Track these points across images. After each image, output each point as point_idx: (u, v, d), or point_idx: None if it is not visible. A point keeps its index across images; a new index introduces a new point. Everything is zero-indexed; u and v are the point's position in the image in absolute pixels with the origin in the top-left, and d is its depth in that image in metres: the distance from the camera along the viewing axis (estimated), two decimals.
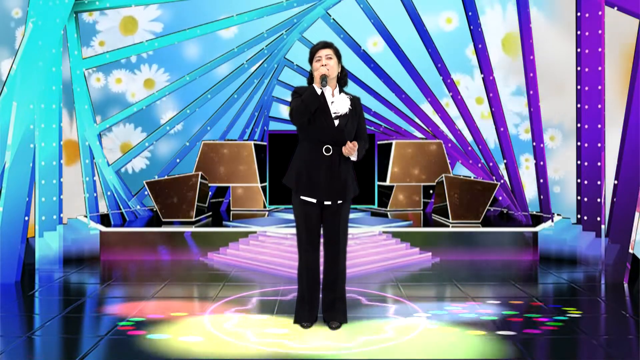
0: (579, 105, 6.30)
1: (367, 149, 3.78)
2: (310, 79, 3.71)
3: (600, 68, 6.11)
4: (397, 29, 7.79)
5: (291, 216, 3.77)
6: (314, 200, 3.63)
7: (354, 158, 3.62)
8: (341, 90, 3.71)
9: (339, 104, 3.62)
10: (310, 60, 3.67)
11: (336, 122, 3.59)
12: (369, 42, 8.32)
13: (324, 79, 3.51)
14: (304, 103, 3.52)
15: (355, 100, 3.71)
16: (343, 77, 3.71)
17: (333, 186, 3.59)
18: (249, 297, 4.55)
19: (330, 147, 3.58)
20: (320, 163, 3.58)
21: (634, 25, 5.69)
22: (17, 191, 5.39)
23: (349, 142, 3.56)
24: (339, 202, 3.65)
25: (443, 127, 8.09)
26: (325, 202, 3.64)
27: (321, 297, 3.78)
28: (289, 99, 3.74)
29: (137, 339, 3.56)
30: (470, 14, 7.31)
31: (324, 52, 3.62)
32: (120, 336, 3.59)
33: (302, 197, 3.63)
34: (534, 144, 6.83)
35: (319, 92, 3.56)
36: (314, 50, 3.66)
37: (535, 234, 6.28)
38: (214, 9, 7.83)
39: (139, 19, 8.35)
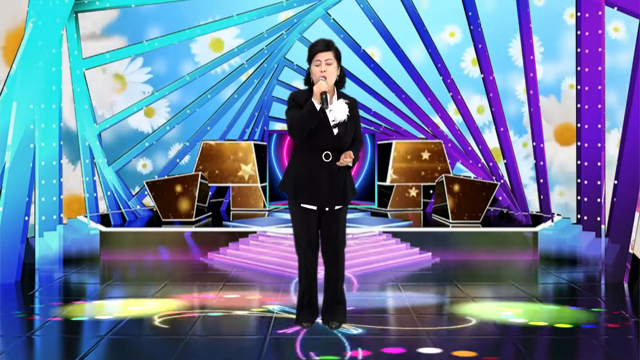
0: (579, 105, 6.30)
1: (368, 148, 3.76)
2: (308, 79, 3.64)
3: (600, 68, 6.10)
4: (397, 29, 7.79)
5: (290, 216, 3.75)
6: (315, 207, 3.62)
7: (350, 163, 3.59)
8: (339, 94, 3.63)
9: (337, 112, 3.54)
10: (309, 60, 3.59)
11: (335, 130, 3.53)
12: (363, 66, 8.29)
13: (324, 100, 3.39)
14: (303, 120, 3.44)
15: (352, 104, 3.63)
16: (341, 79, 3.63)
17: (333, 192, 3.57)
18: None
19: (330, 153, 3.54)
20: (320, 169, 3.54)
21: None
22: (17, 191, 5.39)
23: (344, 154, 3.52)
24: (338, 206, 3.64)
25: (443, 127, 8.09)
26: (326, 208, 3.63)
27: (321, 298, 3.78)
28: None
29: (137, 338, 3.57)
30: (470, 14, 7.30)
31: (323, 57, 3.51)
32: (120, 336, 3.60)
33: (302, 205, 3.60)
34: (534, 144, 6.83)
35: (317, 106, 3.43)
36: (313, 51, 3.55)
37: (535, 234, 6.28)
38: (213, 9, 7.83)
39: (126, 77, 8.30)
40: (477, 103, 8.32)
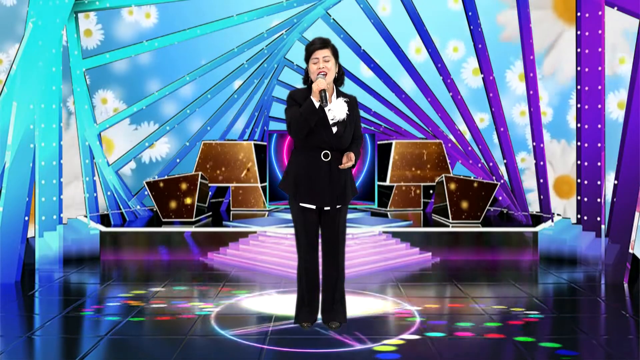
0: (579, 105, 6.30)
1: (368, 149, 3.75)
2: (306, 78, 3.63)
3: (600, 68, 6.11)
4: (397, 29, 7.79)
5: (291, 216, 3.75)
6: (314, 207, 3.62)
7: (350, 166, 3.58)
8: (338, 93, 3.62)
9: (336, 111, 3.52)
10: (307, 59, 3.58)
11: (334, 128, 3.52)
12: (363, 67, 8.29)
13: (323, 98, 3.38)
14: (302, 117, 3.43)
15: (351, 102, 3.61)
16: (340, 77, 3.62)
17: (333, 191, 3.56)
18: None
19: (329, 152, 3.54)
20: (319, 169, 3.53)
21: None
22: (17, 191, 5.39)
23: (345, 156, 3.52)
24: (338, 206, 3.64)
25: (443, 127, 8.09)
26: (326, 208, 3.63)
27: (321, 298, 3.77)
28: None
29: (137, 338, 3.57)
30: (470, 14, 7.31)
31: (321, 54, 3.51)
32: (120, 336, 3.60)
33: (301, 205, 3.61)
34: (534, 144, 6.83)
35: (317, 104, 3.43)
36: (310, 50, 3.55)
37: (535, 234, 6.28)
38: (213, 9, 7.82)
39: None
40: (479, 115, 8.23)
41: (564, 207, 7.55)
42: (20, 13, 7.00)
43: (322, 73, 3.48)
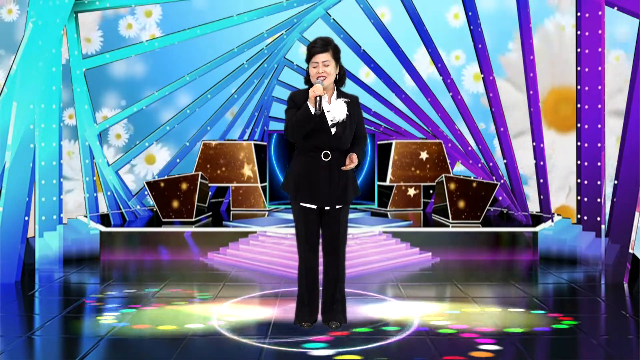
0: (579, 105, 6.30)
1: (367, 148, 3.75)
2: (308, 79, 3.62)
3: (600, 68, 6.11)
4: (397, 30, 7.79)
5: (291, 216, 3.75)
6: (315, 207, 3.62)
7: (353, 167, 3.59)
8: (339, 93, 3.61)
9: (336, 112, 3.51)
10: (307, 60, 3.56)
11: (333, 130, 3.51)
12: (362, 71, 8.29)
13: (318, 104, 3.37)
14: (298, 123, 3.43)
15: (352, 103, 3.59)
16: (341, 78, 3.61)
17: (333, 191, 3.56)
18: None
19: (329, 152, 3.54)
20: (319, 169, 3.54)
21: None
22: (17, 191, 5.39)
23: (348, 157, 3.53)
24: (339, 206, 3.64)
25: (443, 127, 8.09)
26: (326, 208, 3.63)
27: (321, 297, 3.77)
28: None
29: (137, 339, 3.57)
30: (470, 14, 7.31)
31: (321, 58, 3.48)
32: (120, 336, 3.60)
33: (302, 205, 3.61)
34: (534, 144, 6.83)
35: (312, 110, 3.41)
36: (312, 52, 3.52)
37: (535, 234, 6.28)
38: (213, 9, 7.82)
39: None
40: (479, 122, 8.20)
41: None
42: (20, 28, 6.97)
43: (321, 78, 3.48)
